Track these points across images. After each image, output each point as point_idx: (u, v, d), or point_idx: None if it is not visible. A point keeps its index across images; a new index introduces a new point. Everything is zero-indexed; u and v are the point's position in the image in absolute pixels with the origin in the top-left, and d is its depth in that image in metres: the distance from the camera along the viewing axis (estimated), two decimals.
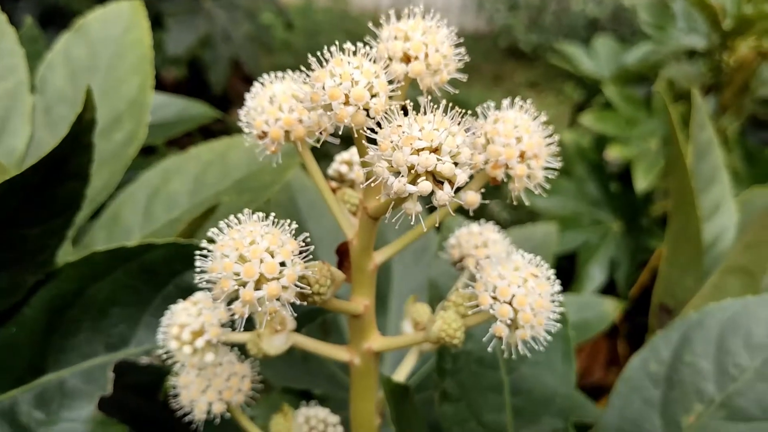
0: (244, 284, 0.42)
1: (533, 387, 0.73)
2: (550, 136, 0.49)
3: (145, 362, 0.68)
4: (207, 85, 3.54)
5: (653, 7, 2.46)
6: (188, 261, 0.69)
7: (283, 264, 0.43)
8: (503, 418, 0.72)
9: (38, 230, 0.61)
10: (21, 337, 0.66)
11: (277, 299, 0.43)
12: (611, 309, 1.14)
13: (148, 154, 1.97)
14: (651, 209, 2.22)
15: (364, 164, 0.47)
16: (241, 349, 0.60)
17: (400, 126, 0.39)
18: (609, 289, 2.14)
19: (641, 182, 2.03)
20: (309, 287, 0.45)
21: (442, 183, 0.39)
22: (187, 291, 0.69)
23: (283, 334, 0.54)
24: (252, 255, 0.42)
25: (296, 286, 0.44)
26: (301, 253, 0.44)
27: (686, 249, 1.03)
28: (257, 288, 0.42)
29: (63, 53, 0.91)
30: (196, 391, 0.60)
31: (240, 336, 0.55)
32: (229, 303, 0.52)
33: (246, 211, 0.45)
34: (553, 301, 0.49)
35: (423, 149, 0.38)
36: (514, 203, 0.48)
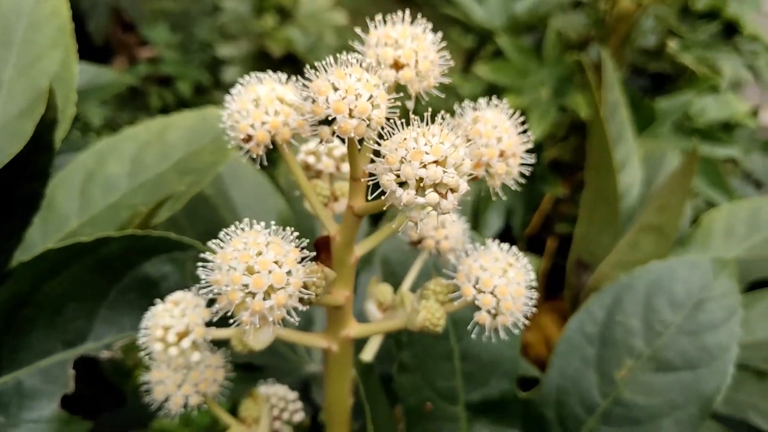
0: (252, 295, 0.43)
1: (481, 353, 0.78)
2: (525, 133, 0.52)
3: (105, 356, 0.67)
4: (87, 36, 3.34)
5: None
6: (145, 252, 0.68)
7: (288, 273, 0.44)
8: (454, 383, 0.77)
9: None
10: None
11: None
12: (533, 266, 1.21)
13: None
14: (543, 156, 2.33)
15: (354, 173, 0.49)
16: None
17: (406, 140, 0.41)
18: (505, 233, 2.25)
19: (535, 131, 2.12)
20: (310, 292, 0.47)
21: (446, 193, 0.42)
22: (143, 282, 0.69)
23: (267, 328, 0.55)
24: (261, 266, 0.43)
25: (300, 292, 0.45)
26: (302, 260, 0.46)
27: (603, 209, 1.10)
28: (265, 298, 0.43)
29: None
30: (172, 385, 0.60)
31: (224, 333, 0.55)
32: (210, 304, 0.53)
33: (245, 220, 0.46)
34: (529, 288, 0.53)
35: (431, 163, 0.40)
36: (493, 198, 0.51)
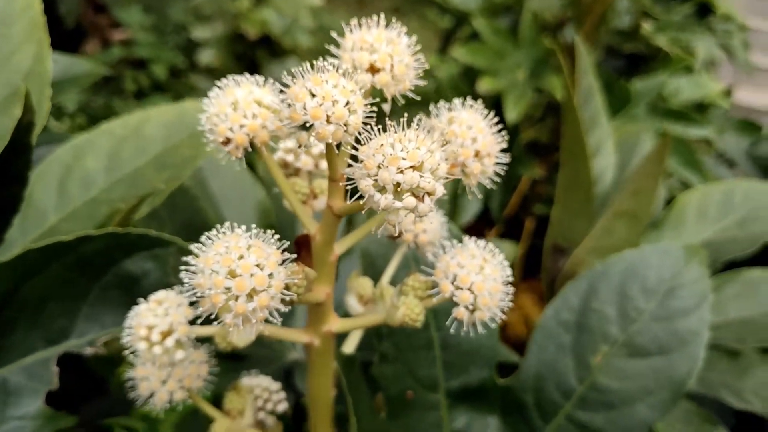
0: (235, 297, 0.44)
1: (461, 342, 0.79)
2: (500, 133, 0.53)
3: (89, 353, 0.68)
4: (58, 19, 3.30)
5: None
6: (126, 250, 0.69)
7: (270, 275, 0.45)
8: (435, 371, 0.79)
9: None
10: None
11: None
12: (510, 252, 1.23)
13: None
14: (520, 138, 2.35)
15: (332, 174, 0.49)
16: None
17: (382, 145, 0.42)
18: (484, 215, 2.27)
19: (511, 113, 2.13)
20: (292, 293, 0.48)
21: (423, 196, 0.43)
22: (125, 279, 0.69)
23: (250, 327, 0.56)
24: (243, 270, 0.44)
25: (282, 293, 0.46)
26: (283, 261, 0.47)
27: (577, 195, 1.12)
28: (248, 300, 0.44)
29: None
30: (156, 381, 0.61)
31: (207, 330, 0.56)
32: (193, 303, 0.53)
33: (226, 224, 0.47)
34: (506, 283, 0.54)
35: (407, 168, 0.41)
36: (469, 197, 0.52)
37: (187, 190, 1.03)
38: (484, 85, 2.24)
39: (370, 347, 0.77)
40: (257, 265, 0.45)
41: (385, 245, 0.80)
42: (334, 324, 0.59)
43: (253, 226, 0.47)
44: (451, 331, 0.55)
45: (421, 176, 0.42)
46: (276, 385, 0.75)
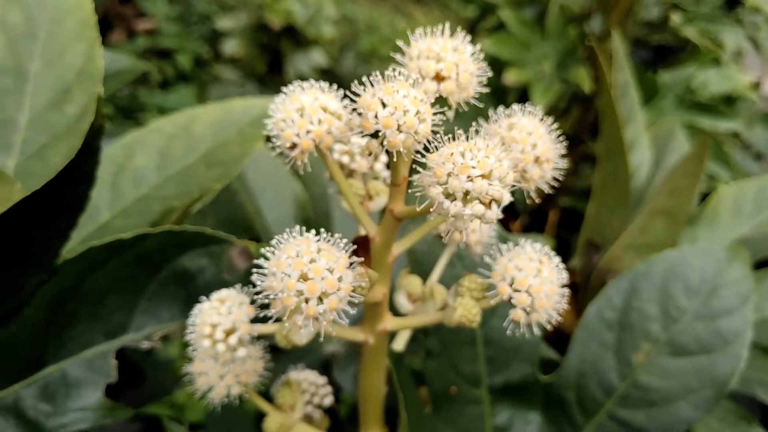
0: (306, 300, 0.46)
1: (503, 338, 0.81)
2: (558, 138, 0.54)
3: (146, 347, 0.70)
4: None
5: None
6: (182, 247, 0.70)
7: (339, 278, 0.46)
8: (478, 367, 0.80)
9: (43, 233, 0.61)
10: (21, 335, 0.66)
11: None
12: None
13: None
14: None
15: (395, 179, 0.51)
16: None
17: (453, 154, 0.43)
18: (509, 206, 2.27)
19: (538, 105, 2.13)
20: (358, 295, 0.49)
21: (490, 203, 0.44)
22: (181, 275, 0.71)
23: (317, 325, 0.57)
24: (314, 273, 0.45)
25: (350, 296, 0.47)
26: (350, 264, 0.48)
27: (614, 192, 1.13)
28: (318, 303, 0.46)
29: None
30: (215, 376, 0.63)
31: (269, 328, 0.58)
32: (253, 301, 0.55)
33: (296, 228, 0.48)
34: (561, 286, 0.55)
35: (477, 176, 0.43)
36: (527, 202, 0.53)
37: (228, 184, 1.05)
38: (510, 77, 2.24)
39: (416, 342, 0.79)
40: (328, 269, 0.46)
41: (430, 244, 0.81)
42: (389, 323, 0.61)
43: (322, 230, 0.48)
44: (507, 332, 0.56)
45: (490, 184, 0.43)
46: (322, 379, 0.77)
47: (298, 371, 0.76)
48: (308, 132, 0.51)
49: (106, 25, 3.82)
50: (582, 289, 1.25)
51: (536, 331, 0.55)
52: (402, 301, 0.69)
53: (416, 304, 0.69)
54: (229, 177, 0.81)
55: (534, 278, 0.54)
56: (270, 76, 3.53)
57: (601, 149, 1.20)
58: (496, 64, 2.33)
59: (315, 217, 1.14)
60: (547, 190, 0.54)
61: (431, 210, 0.45)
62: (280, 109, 0.52)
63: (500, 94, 2.29)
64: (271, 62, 3.56)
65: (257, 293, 0.47)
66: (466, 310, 0.56)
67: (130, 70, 1.23)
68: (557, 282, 0.55)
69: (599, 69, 1.59)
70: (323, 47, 3.69)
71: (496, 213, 0.44)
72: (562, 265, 0.56)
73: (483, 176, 0.43)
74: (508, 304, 0.56)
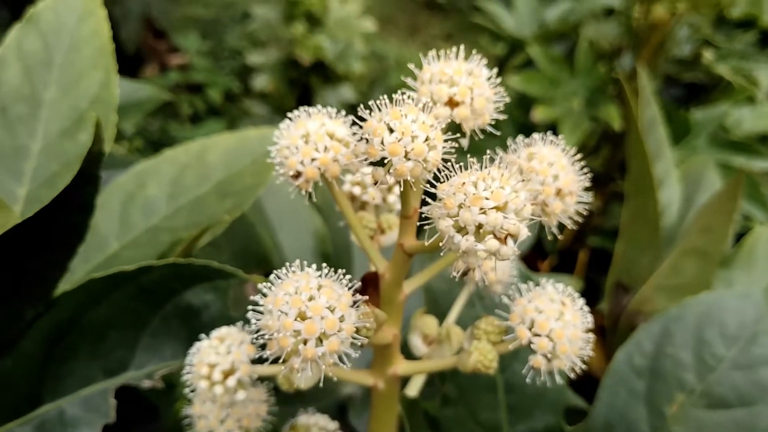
0: (304, 341, 0.42)
1: (525, 385, 0.76)
2: (582, 170, 0.50)
3: (147, 386, 0.67)
4: (119, 43, 3.36)
5: None
6: (187, 280, 0.67)
7: (341, 318, 0.43)
8: (498, 415, 0.75)
9: (39, 262, 0.58)
10: (17, 371, 0.63)
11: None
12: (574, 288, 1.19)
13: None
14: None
15: (405, 211, 0.47)
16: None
17: (464, 184, 0.40)
18: (537, 246, 2.22)
19: (567, 142, 2.09)
20: (362, 337, 0.45)
21: (505, 238, 0.40)
22: (185, 311, 0.68)
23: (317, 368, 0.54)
24: (313, 312, 0.42)
25: (352, 337, 0.44)
26: (354, 303, 0.44)
27: (644, 230, 1.08)
28: (318, 344, 0.42)
29: (15, 47, 0.85)
30: (215, 420, 0.59)
31: (270, 370, 0.54)
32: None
33: (296, 262, 0.45)
34: (586, 330, 0.51)
35: (491, 209, 0.39)
36: (548, 237, 0.50)
37: (244, 215, 1.02)
38: (539, 114, 2.21)
39: (432, 387, 0.75)
40: (328, 307, 0.42)
41: (449, 282, 0.77)
42: (400, 366, 0.57)
43: (324, 265, 0.45)
44: (527, 380, 0.52)
45: (505, 217, 0.39)
46: (333, 425, 0.73)
47: (308, 415, 0.72)
48: (313, 160, 0.48)
49: (139, 59, 3.88)
50: (611, 333, 1.20)
51: (558, 379, 0.51)
52: (416, 343, 0.65)
53: (432, 346, 0.64)
54: (241, 208, 0.78)
55: (556, 322, 0.49)
56: None
57: (629, 186, 1.15)
58: (525, 101, 2.30)
59: (334, 251, 1.11)
60: (570, 225, 0.50)
61: (441, 245, 0.41)
62: (285, 136, 0.49)
63: (528, 131, 2.25)
64: (300, 97, 3.58)
65: (253, 331, 0.44)
66: (481, 356, 0.52)
67: (151, 100, 1.22)
68: (581, 326, 0.51)
69: (627, 106, 1.55)
70: (352, 83, 3.70)
71: (512, 249, 0.40)
72: (586, 308, 0.52)
73: (497, 208, 0.39)
74: (529, 349, 0.52)
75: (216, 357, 0.53)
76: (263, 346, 0.48)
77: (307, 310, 0.42)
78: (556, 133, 1.69)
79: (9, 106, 0.84)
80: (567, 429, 0.75)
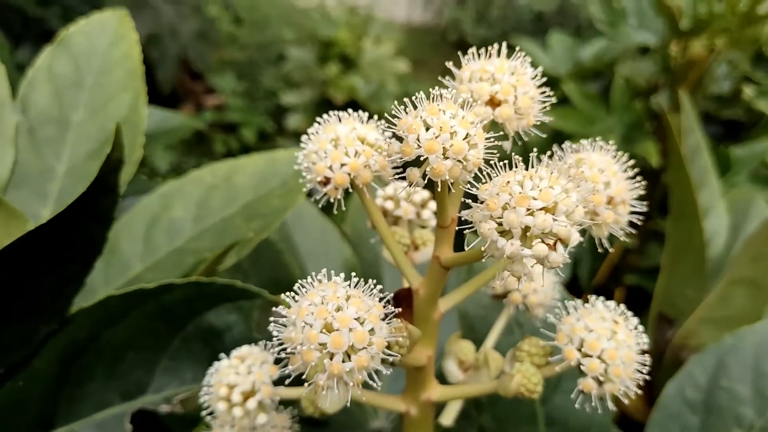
0: (331, 355, 0.38)
1: (568, 417, 0.71)
2: (634, 178, 0.46)
3: (165, 411, 0.63)
4: (155, 84, 3.43)
5: (603, 3, 2.48)
6: (209, 300, 0.64)
7: (371, 331, 0.39)
8: None
9: (54, 277, 0.55)
10: (29, 391, 0.60)
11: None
12: None
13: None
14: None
15: (441, 220, 0.44)
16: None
17: (509, 183, 0.36)
18: (572, 283, 2.16)
19: None
20: (394, 353, 0.41)
21: (555, 243, 0.36)
22: (207, 332, 0.65)
23: (343, 389, 0.50)
24: (340, 323, 0.38)
25: (383, 353, 0.40)
26: (386, 316, 0.41)
27: (688, 260, 1.03)
28: (345, 359, 0.38)
29: (46, 69, 0.84)
30: None
31: (293, 392, 0.50)
32: (278, 361, 0.48)
33: (323, 271, 0.41)
34: (641, 352, 0.46)
35: (539, 210, 0.35)
36: (599, 249, 0.45)
37: (272, 243, 0.99)
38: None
39: (467, 418, 0.70)
40: (357, 319, 0.39)
41: (485, 307, 0.73)
42: (435, 392, 0.53)
43: (353, 274, 0.41)
44: (576, 405, 0.48)
45: (554, 219, 0.35)
46: None
47: None
48: (343, 165, 0.45)
49: (175, 99, 3.93)
50: (654, 368, 1.13)
51: (610, 405, 0.46)
52: (452, 369, 0.60)
53: (468, 372, 0.60)
54: (268, 230, 0.75)
55: (608, 341, 0.45)
56: None
57: (672, 217, 1.10)
58: (560, 138, 2.26)
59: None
60: (622, 237, 0.46)
61: (483, 252, 0.37)
62: (313, 140, 0.46)
63: None
64: None
65: (274, 346, 0.40)
66: (525, 378, 0.47)
67: (182, 128, 1.21)
68: (635, 347, 0.46)
69: (668, 139, 1.51)
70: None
71: (562, 256, 0.36)
72: (641, 328, 0.47)
73: (546, 209, 0.35)
74: (574, 375, 0.48)
75: (236, 377, 0.49)
76: (287, 366, 0.45)
77: (333, 321, 0.38)
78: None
79: (37, 128, 0.83)
80: None
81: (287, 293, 0.41)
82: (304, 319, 0.39)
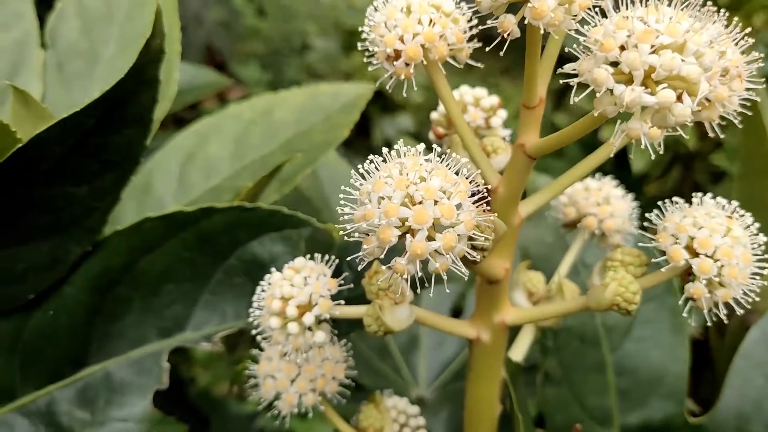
0: (413, 232, 0.32)
1: (639, 365, 0.65)
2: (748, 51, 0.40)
3: (204, 349, 0.58)
4: None
5: None
6: (253, 228, 0.59)
7: (458, 206, 0.33)
8: (608, 401, 0.64)
9: (86, 189, 0.50)
10: (59, 322, 0.55)
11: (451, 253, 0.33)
12: None
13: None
14: (646, 189, 2.17)
15: (529, 96, 0.38)
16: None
17: (628, 18, 0.30)
18: None
19: (637, 162, 2.00)
20: (484, 236, 0.35)
21: (681, 94, 0.30)
22: (251, 264, 0.59)
23: (404, 305, 0.44)
24: (426, 195, 0.32)
25: (473, 235, 0.34)
26: (472, 195, 0.35)
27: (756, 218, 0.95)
28: (429, 238, 0.33)
29: (75, 2, 0.80)
30: (284, 379, 0.50)
31: (356, 310, 0.45)
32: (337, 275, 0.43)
33: (400, 142, 0.35)
34: (757, 258, 0.40)
35: (665, 47, 0.29)
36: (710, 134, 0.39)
37: (310, 200, 0.94)
38: (607, 133, 2.11)
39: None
40: (443, 191, 0.33)
41: (549, 246, 0.67)
42: (509, 314, 0.47)
43: (435, 147, 0.35)
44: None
45: (683, 60, 0.29)
46: (414, 409, 0.62)
47: (386, 396, 0.62)
48: (415, 35, 0.39)
49: None
50: (716, 339, 1.06)
51: (722, 315, 0.40)
52: (521, 301, 0.54)
53: (538, 305, 0.54)
54: (311, 165, 0.70)
55: (722, 238, 0.39)
56: (357, 139, 3.50)
57: (739, 176, 1.03)
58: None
59: None
60: (736, 121, 0.40)
61: (595, 108, 0.31)
62: (380, 10, 0.41)
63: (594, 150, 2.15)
64: (358, 126, 3.54)
65: (343, 230, 0.35)
66: (622, 287, 0.41)
67: (211, 85, 1.17)
68: (751, 247, 0.40)
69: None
70: (411, 112, 3.65)
71: (689, 108, 0.30)
72: (756, 226, 0.41)
73: (673, 48, 0.29)
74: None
75: (291, 289, 0.44)
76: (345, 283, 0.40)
77: (416, 193, 0.32)
78: (624, 153, 1.56)
79: (66, 63, 0.78)
80: (690, 420, 0.63)
81: (360, 166, 0.35)
82: (381, 191, 0.33)
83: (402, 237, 0.33)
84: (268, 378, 0.50)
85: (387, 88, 0.41)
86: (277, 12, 5.00)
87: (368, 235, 0.34)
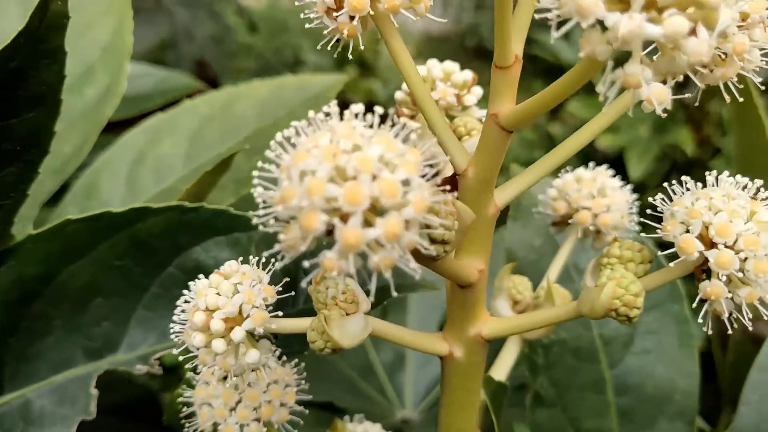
0: (344, 217, 0.25)
1: (643, 382, 0.57)
2: None
3: (140, 372, 0.50)
4: None
5: None
6: (196, 232, 0.51)
7: (405, 183, 0.25)
8: (608, 424, 0.56)
9: None
10: None
11: (397, 243, 0.25)
12: None
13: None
14: (644, 196, 2.12)
15: (501, 54, 0.30)
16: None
17: None
18: None
19: (635, 170, 1.95)
20: (443, 221, 0.28)
21: (693, 28, 0.23)
22: (194, 273, 0.51)
23: (358, 317, 0.36)
24: (361, 166, 0.24)
25: (425, 219, 0.26)
26: (425, 175, 0.27)
27: None
28: (367, 223, 0.25)
29: None
30: (223, 407, 0.42)
31: (296, 323, 0.37)
32: (275, 282, 0.35)
33: (331, 104, 0.28)
34: None
35: None
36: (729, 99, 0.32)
37: None
38: (603, 141, 2.08)
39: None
40: (384, 162, 0.25)
41: (537, 250, 0.60)
42: (487, 325, 0.39)
43: (377, 109, 0.28)
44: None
45: None
46: None
47: (355, 422, 0.54)
48: None
49: None
50: (718, 349, 0.98)
51: (746, 319, 0.32)
52: (503, 310, 0.47)
53: (522, 314, 0.47)
54: None
55: (745, 224, 0.31)
56: None
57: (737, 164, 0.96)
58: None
59: None
60: (755, 79, 0.32)
61: (581, 48, 0.24)
62: None
63: (593, 160, 2.11)
64: None
65: (262, 213, 0.27)
66: (620, 288, 0.33)
67: (180, 89, 1.10)
68: None
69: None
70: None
71: (705, 41, 0.22)
72: None
73: None
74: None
75: (217, 298, 0.36)
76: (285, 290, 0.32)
77: (348, 164, 0.25)
78: (622, 161, 1.50)
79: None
80: None
81: (278, 139, 0.27)
82: (304, 164, 0.25)
83: (331, 223, 0.25)
84: (204, 406, 0.43)
85: (329, 49, 0.34)
86: (270, 27, 4.97)
87: (289, 222, 0.26)
